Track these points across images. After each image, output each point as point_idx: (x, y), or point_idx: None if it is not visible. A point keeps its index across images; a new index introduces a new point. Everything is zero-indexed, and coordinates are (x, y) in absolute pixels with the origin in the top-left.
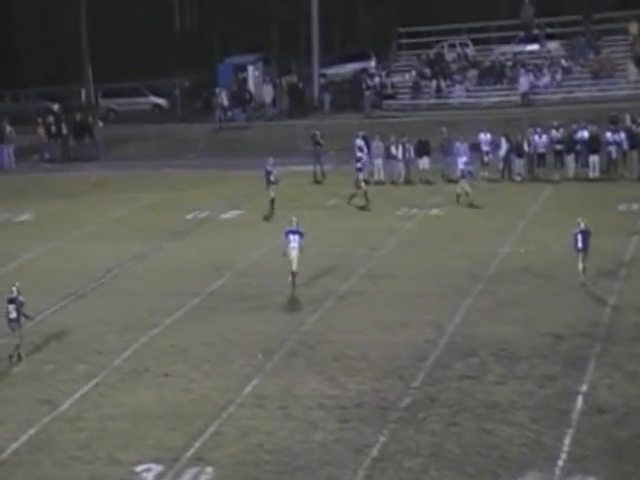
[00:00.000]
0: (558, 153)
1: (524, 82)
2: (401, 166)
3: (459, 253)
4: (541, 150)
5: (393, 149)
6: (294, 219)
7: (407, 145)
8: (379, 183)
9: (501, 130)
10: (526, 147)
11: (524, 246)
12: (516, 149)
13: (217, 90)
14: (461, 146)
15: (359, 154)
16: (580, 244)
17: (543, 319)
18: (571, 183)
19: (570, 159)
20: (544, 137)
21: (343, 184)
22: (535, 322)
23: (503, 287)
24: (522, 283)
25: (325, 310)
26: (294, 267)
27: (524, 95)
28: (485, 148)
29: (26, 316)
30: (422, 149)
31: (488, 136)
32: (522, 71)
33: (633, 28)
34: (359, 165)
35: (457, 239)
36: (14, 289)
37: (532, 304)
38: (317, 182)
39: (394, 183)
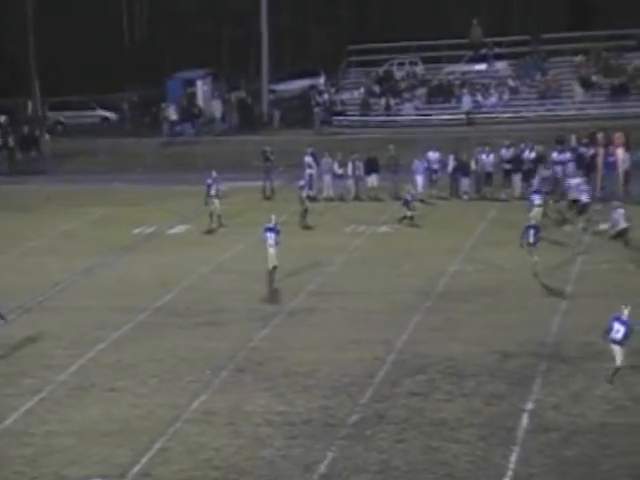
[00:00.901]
0: (507, 172)
1: (467, 101)
2: (351, 183)
3: (408, 271)
4: (488, 169)
5: (336, 167)
6: (273, 217)
7: (357, 162)
8: (328, 200)
9: (450, 148)
10: (473, 166)
11: (472, 264)
12: (463, 168)
13: (163, 104)
14: (420, 164)
15: (308, 171)
16: (531, 239)
17: (491, 337)
18: (518, 202)
19: (517, 178)
20: (491, 156)
21: (293, 200)
22: (483, 340)
23: (452, 305)
24: (471, 301)
25: (274, 327)
26: (270, 264)
27: (467, 114)
28: (434, 166)
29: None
30: (371, 166)
31: (437, 154)
32: (464, 90)
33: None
34: (302, 183)
35: (406, 257)
36: None
37: (481, 322)
38: (267, 198)
39: (343, 200)
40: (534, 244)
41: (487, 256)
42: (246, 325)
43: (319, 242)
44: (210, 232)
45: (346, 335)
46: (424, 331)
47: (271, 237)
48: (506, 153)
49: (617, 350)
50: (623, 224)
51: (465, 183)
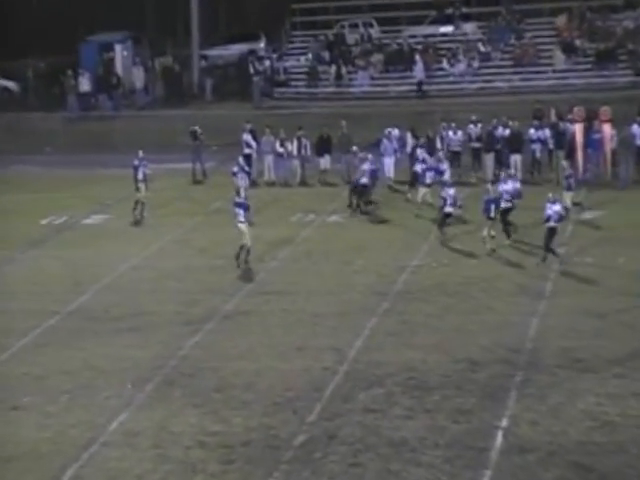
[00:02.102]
0: (476, 152)
1: (419, 70)
2: (296, 165)
3: (362, 266)
4: (456, 148)
5: (279, 146)
6: (242, 190)
7: (303, 140)
8: (270, 184)
9: (409, 124)
10: (439, 144)
11: (436, 259)
12: (427, 147)
13: (69, 72)
14: (389, 145)
15: (246, 151)
16: (492, 213)
17: (457, 343)
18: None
19: (489, 159)
20: (459, 133)
21: (228, 185)
22: (448, 347)
23: (412, 306)
24: (433, 302)
25: (206, 332)
26: (244, 240)
27: (419, 84)
28: (394, 145)
29: None
30: (323, 146)
31: (396, 131)
32: (417, 56)
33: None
34: (235, 169)
35: (360, 250)
36: None
37: (445, 326)
38: (197, 182)
39: (287, 184)
40: (495, 218)
41: (453, 249)
42: (174, 330)
43: (260, 234)
44: (137, 223)
45: (290, 342)
46: (380, 336)
47: (240, 213)
48: (474, 130)
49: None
50: (448, 208)
51: None
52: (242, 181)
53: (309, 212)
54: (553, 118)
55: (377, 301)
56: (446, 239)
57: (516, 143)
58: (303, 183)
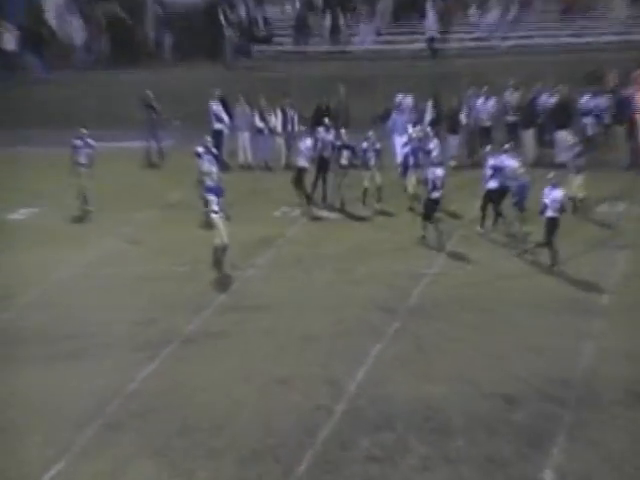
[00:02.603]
0: (511, 127)
1: (431, 22)
2: (280, 143)
3: (364, 275)
4: (486, 122)
5: (257, 119)
6: (214, 171)
7: (290, 112)
8: (246, 168)
9: (426, 91)
10: (464, 118)
11: (457, 265)
12: (449, 120)
13: None
14: (399, 119)
15: (216, 126)
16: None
17: (487, 374)
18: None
19: (529, 135)
20: (491, 103)
21: (190, 169)
22: (475, 377)
23: (429, 325)
24: (456, 320)
25: (165, 359)
26: (218, 239)
27: (431, 41)
28: (407, 117)
29: None
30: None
31: (409, 100)
32: (428, 4)
33: None
34: (199, 150)
35: (361, 254)
36: None
37: (471, 351)
38: (152, 165)
39: (269, 169)
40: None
41: (478, 253)
42: (124, 357)
43: (234, 232)
44: (78, 218)
45: (273, 371)
46: (389, 365)
47: (213, 200)
48: (510, 98)
49: None
50: (435, 194)
51: (453, 143)
52: (208, 165)
53: (296, 205)
54: (612, 83)
55: (384, 319)
56: (428, 236)
57: (563, 115)
58: (289, 167)
